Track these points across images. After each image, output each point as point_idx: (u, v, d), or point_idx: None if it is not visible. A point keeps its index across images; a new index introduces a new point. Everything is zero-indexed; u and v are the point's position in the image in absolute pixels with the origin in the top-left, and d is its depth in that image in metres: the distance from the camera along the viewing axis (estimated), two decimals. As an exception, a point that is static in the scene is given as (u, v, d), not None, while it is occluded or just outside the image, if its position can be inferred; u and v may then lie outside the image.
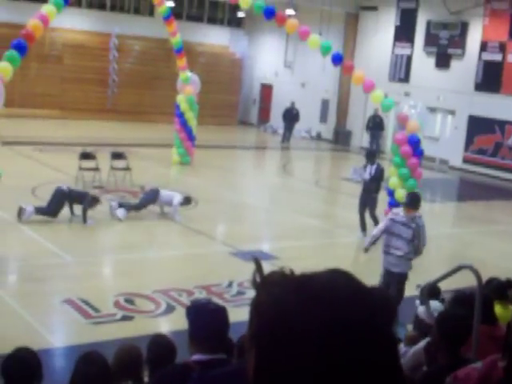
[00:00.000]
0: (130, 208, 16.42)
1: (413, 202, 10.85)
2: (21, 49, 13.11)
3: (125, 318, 10.48)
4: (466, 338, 5.26)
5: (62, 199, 15.39)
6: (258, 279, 1.56)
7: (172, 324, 10.32)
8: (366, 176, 16.54)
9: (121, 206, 16.36)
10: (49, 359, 9.01)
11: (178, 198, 16.58)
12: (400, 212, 10.96)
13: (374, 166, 16.56)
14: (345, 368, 1.25)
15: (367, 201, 16.58)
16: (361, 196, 16.73)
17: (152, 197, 16.60)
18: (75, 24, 35.05)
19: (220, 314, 4.24)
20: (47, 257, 13.10)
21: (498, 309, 7.03)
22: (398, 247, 10.78)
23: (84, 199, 15.50)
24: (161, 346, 5.73)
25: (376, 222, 16.72)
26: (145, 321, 10.49)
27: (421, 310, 6.71)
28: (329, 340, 1.25)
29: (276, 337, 1.29)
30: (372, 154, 17.00)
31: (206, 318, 4.14)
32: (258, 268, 1.62)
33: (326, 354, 1.25)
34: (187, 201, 16.85)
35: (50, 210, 15.29)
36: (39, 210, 15.23)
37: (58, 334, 10.12)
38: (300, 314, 1.28)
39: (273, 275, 1.47)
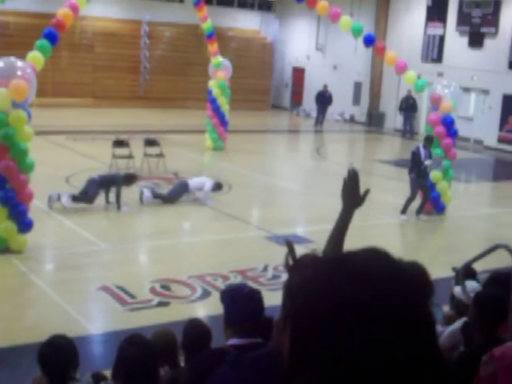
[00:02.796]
0: (163, 199, 16.47)
1: None
2: (51, 38, 13.14)
3: (161, 304, 10.53)
4: (504, 318, 5.22)
5: (96, 188, 15.45)
6: (290, 262, 1.55)
7: (208, 309, 10.36)
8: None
9: (155, 196, 16.43)
10: (87, 346, 9.09)
11: (208, 184, 16.61)
12: None
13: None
14: (384, 348, 1.23)
15: (421, 184, 16.45)
16: (414, 181, 16.50)
17: (182, 188, 16.65)
18: (105, 12, 35.15)
19: (255, 297, 4.22)
20: (82, 245, 13.19)
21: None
22: None
23: (116, 182, 15.57)
24: (196, 330, 5.74)
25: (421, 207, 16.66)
26: (181, 306, 10.53)
27: (457, 290, 6.65)
28: (367, 320, 1.23)
29: (310, 318, 1.27)
30: (430, 139, 16.69)
31: (240, 301, 4.13)
32: (291, 250, 1.62)
33: (365, 333, 1.23)
34: (218, 186, 16.87)
35: (88, 196, 15.37)
36: (76, 198, 15.32)
37: (95, 321, 10.19)
38: (336, 294, 1.26)
39: (305, 257, 1.46)
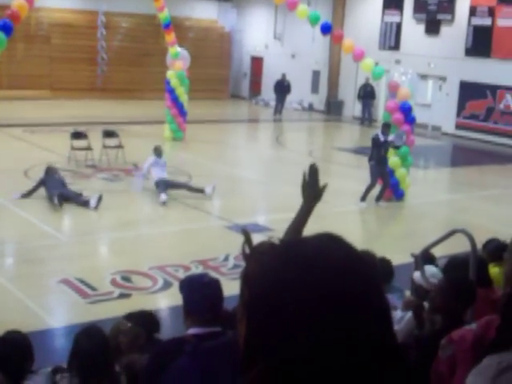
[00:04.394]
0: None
1: None
2: (6, 30, 13.01)
3: (122, 296, 10.49)
4: (470, 303, 5.30)
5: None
6: (247, 250, 1.55)
7: (169, 300, 10.35)
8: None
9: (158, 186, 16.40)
10: (48, 340, 9.05)
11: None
12: None
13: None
14: (339, 335, 1.23)
15: (381, 171, 16.56)
16: (374, 168, 16.59)
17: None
18: (61, 3, 34.81)
19: (213, 286, 4.23)
20: (42, 238, 13.08)
21: (494, 271, 7.04)
22: None
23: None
24: (146, 319, 5.82)
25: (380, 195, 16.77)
26: (142, 297, 10.51)
27: (417, 275, 6.72)
28: (321, 306, 1.23)
29: (266, 306, 1.27)
30: (387, 125, 16.78)
31: (199, 291, 4.14)
32: (247, 239, 1.62)
33: (320, 320, 1.23)
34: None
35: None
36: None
37: (56, 315, 10.13)
38: (291, 282, 1.26)
39: (261, 245, 1.46)
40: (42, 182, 15.44)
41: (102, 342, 4.69)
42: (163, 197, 15.83)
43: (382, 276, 7.44)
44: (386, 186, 16.80)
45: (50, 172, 15.73)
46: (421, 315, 5.66)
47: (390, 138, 16.51)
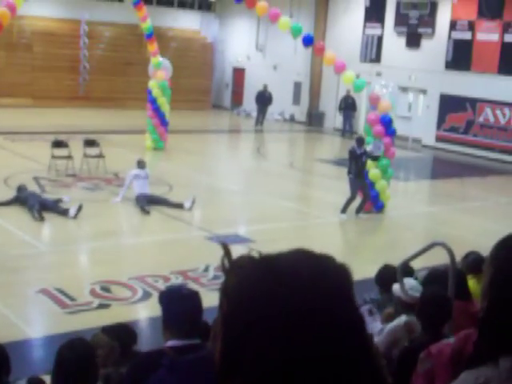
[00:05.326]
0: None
1: None
2: (-12, 38, 12.96)
3: (101, 306, 10.44)
4: (448, 318, 5.34)
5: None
6: (226, 264, 1.56)
7: (149, 310, 10.30)
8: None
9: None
10: (26, 350, 8.98)
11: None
12: None
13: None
14: (313, 349, 1.24)
15: (359, 184, 16.57)
16: (353, 181, 16.60)
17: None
18: (44, 11, 34.76)
19: (192, 298, 4.22)
20: (21, 247, 13.00)
21: (472, 284, 7.08)
22: None
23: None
24: (122, 332, 5.78)
25: (360, 207, 16.78)
26: (121, 308, 10.47)
27: (396, 287, 6.74)
28: (295, 322, 1.24)
29: (242, 320, 1.28)
30: (361, 140, 16.78)
31: (178, 303, 4.13)
32: (227, 252, 1.62)
33: (293, 335, 1.24)
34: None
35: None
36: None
37: (34, 325, 10.06)
38: (264, 297, 1.27)
39: (241, 259, 1.47)
40: (16, 199, 15.44)
41: (87, 354, 4.65)
42: (146, 208, 15.88)
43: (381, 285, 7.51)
44: (367, 198, 16.84)
45: (22, 189, 15.76)
46: (412, 328, 5.72)
47: (368, 148, 16.56)
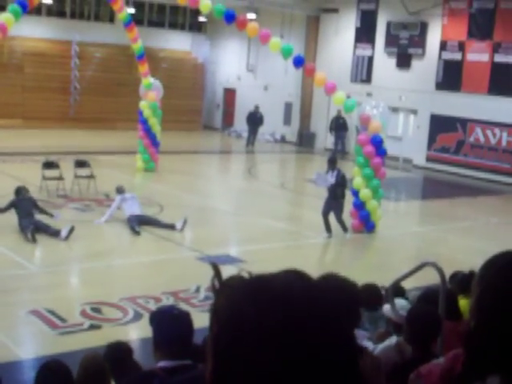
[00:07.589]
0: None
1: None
2: (-20, 59, 12.98)
3: (92, 327, 10.40)
4: (437, 334, 5.35)
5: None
6: (216, 284, 1.57)
7: (140, 331, 10.27)
8: (332, 181, 16.39)
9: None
10: (16, 372, 8.93)
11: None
12: None
13: (335, 172, 16.46)
14: (303, 371, 1.25)
15: (332, 206, 16.52)
16: (326, 200, 16.63)
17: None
18: (35, 32, 34.80)
19: (183, 319, 4.22)
20: (12, 267, 12.96)
21: (463, 303, 7.08)
22: None
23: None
24: (116, 350, 5.75)
25: (343, 226, 16.76)
26: (113, 329, 10.43)
27: (387, 308, 6.74)
28: (285, 342, 1.25)
29: (232, 340, 1.29)
30: (332, 161, 16.81)
31: (169, 323, 4.13)
32: (217, 273, 1.63)
33: (284, 356, 1.25)
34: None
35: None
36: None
37: (25, 346, 10.00)
38: (256, 317, 1.28)
39: (231, 280, 1.48)
40: (12, 205, 15.41)
41: (64, 377, 4.62)
42: (137, 228, 15.87)
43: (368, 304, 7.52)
44: (338, 219, 16.70)
45: (21, 193, 15.72)
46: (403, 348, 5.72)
47: (314, 176, 16.62)
